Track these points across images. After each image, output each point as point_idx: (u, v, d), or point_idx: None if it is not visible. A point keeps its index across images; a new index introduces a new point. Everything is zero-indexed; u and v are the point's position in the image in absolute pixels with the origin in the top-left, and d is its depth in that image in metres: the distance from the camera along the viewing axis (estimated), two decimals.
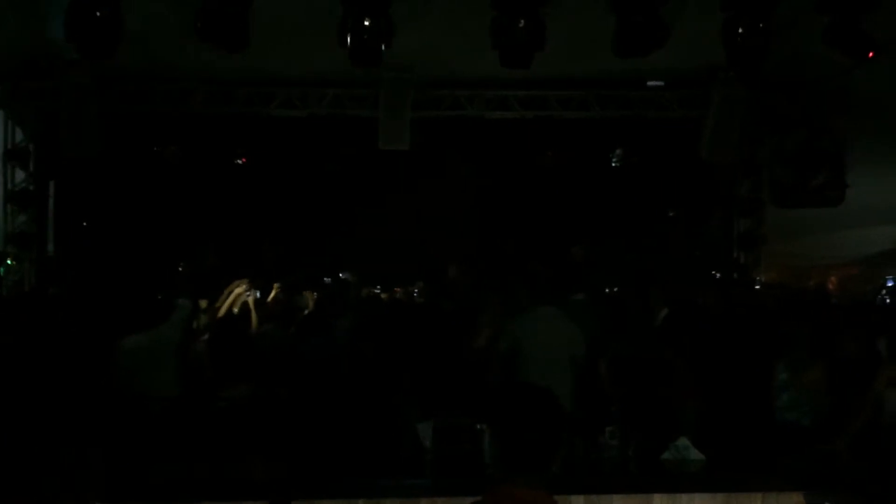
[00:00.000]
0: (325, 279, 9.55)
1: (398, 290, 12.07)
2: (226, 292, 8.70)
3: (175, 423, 5.52)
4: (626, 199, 14.69)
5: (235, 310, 8.78)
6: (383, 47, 8.75)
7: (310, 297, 9.91)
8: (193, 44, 9.00)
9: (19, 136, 13.41)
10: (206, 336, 7.69)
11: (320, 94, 13.25)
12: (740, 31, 8.70)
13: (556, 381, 6.42)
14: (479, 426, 5.48)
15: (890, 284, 12.51)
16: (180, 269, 11.37)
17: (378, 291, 12.03)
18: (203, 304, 8.67)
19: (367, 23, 8.58)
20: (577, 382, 7.02)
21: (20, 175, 13.38)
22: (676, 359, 6.86)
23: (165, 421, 5.78)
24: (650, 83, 13.36)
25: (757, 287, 13.02)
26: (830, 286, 12.65)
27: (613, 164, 14.53)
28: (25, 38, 10.99)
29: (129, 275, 11.32)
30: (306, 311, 9.17)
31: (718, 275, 14.11)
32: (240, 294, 8.75)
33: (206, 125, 13.70)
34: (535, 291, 7.48)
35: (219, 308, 8.58)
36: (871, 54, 8.91)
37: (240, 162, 14.61)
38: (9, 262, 12.94)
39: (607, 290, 11.26)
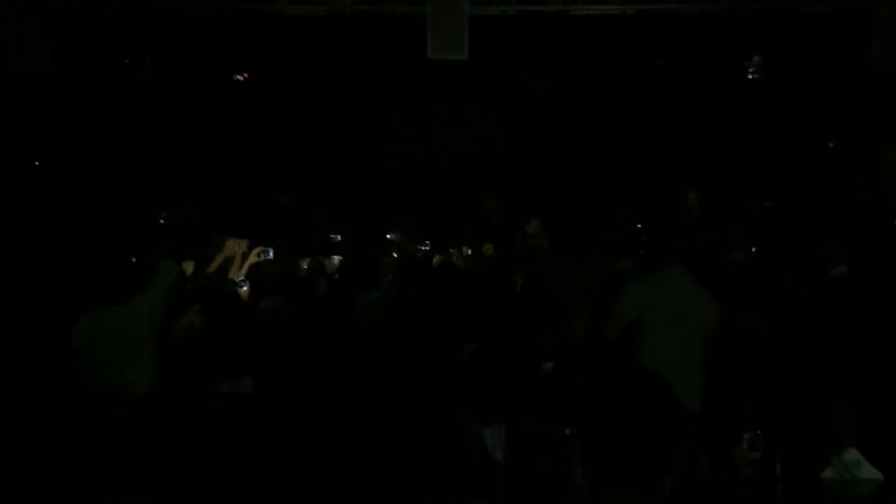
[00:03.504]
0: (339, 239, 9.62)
1: (454, 250, 12.03)
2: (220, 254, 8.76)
3: (151, 430, 5.52)
4: (768, 125, 14.47)
5: (239, 277, 8.81)
6: None
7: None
8: None
9: None
10: (194, 313, 7.72)
11: None
12: None
13: (681, 369, 6.31)
14: (566, 431, 5.45)
15: None
16: (161, 221, 11.43)
17: (427, 249, 12.00)
18: (189, 267, 8.71)
19: None
20: (709, 372, 6.93)
21: None
22: (843, 342, 6.76)
23: (137, 427, 5.78)
24: None
25: None
26: None
27: (749, 77, 14.30)
28: None
29: (90, 230, 11.36)
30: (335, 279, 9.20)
31: None
32: (242, 255, 8.80)
33: (191, 28, 13.70)
34: (658, 248, 7.43)
35: (211, 274, 8.63)
36: None
37: (239, 78, 14.60)
38: None
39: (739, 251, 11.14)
